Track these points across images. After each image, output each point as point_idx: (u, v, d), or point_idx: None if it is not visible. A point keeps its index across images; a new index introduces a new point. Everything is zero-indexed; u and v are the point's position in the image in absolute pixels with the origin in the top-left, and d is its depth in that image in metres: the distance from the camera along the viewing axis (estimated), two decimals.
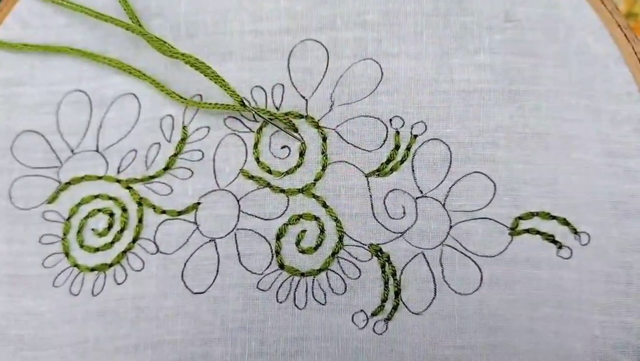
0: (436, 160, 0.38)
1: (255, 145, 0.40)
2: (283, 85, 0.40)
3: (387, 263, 0.38)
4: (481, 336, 0.37)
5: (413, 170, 0.38)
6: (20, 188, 0.41)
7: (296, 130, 0.39)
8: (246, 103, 0.39)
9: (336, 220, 0.38)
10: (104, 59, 0.41)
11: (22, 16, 0.42)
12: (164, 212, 0.40)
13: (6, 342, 0.39)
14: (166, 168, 0.40)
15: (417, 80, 0.39)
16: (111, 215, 0.40)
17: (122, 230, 0.40)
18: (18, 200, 0.41)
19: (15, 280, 0.40)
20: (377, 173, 0.39)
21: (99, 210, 0.40)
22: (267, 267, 0.38)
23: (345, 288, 0.38)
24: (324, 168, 0.39)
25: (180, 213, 0.39)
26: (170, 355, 0.38)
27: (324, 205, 0.39)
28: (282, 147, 0.40)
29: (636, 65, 0.39)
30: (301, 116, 0.40)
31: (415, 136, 0.39)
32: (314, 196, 0.39)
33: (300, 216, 0.39)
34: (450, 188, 0.38)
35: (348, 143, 0.39)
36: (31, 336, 0.39)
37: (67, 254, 0.40)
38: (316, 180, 0.39)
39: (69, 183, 0.41)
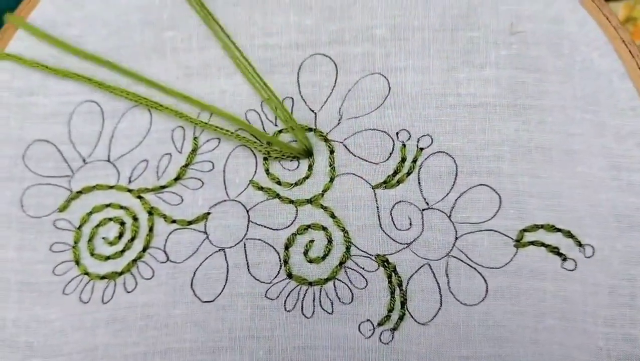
0: (442, 173, 0.39)
1: (265, 157, 0.40)
2: (293, 99, 0.40)
3: (393, 274, 0.38)
4: (486, 346, 0.37)
5: (419, 183, 0.39)
6: (32, 197, 0.41)
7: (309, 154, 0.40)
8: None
9: (344, 230, 0.39)
10: (115, 89, 0.41)
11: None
12: (174, 221, 0.40)
13: (15, 349, 0.39)
14: (177, 179, 0.40)
15: (424, 94, 0.39)
16: (122, 224, 0.40)
17: (132, 239, 0.40)
18: (29, 209, 0.41)
19: (25, 288, 0.40)
20: (383, 185, 0.39)
21: (110, 219, 0.40)
22: (276, 276, 0.39)
23: (352, 298, 0.38)
24: (331, 180, 0.39)
25: (190, 222, 0.40)
26: None
27: (332, 216, 0.39)
28: (292, 160, 0.40)
29: None
30: (310, 130, 0.40)
31: (422, 149, 0.39)
32: (322, 207, 0.39)
33: (309, 226, 0.39)
34: (456, 200, 0.38)
35: (355, 156, 0.39)
36: (40, 344, 0.39)
37: (77, 262, 0.40)
38: (324, 191, 0.39)
39: (80, 192, 0.41)
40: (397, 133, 0.39)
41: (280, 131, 0.40)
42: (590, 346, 0.37)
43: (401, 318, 0.38)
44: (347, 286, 0.38)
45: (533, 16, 0.40)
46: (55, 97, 0.42)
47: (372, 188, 0.39)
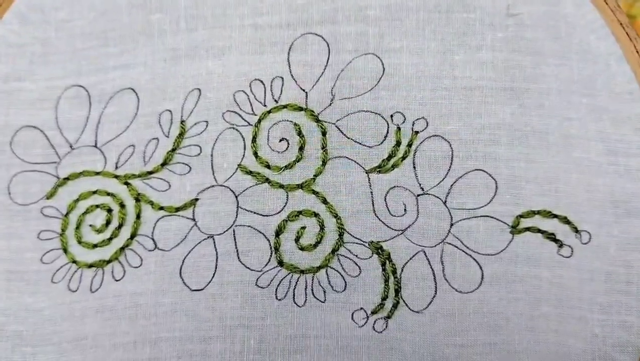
0: (437, 157, 0.38)
1: (254, 139, 0.40)
2: (282, 78, 0.40)
3: (387, 261, 0.38)
4: (481, 334, 0.37)
5: (414, 167, 0.38)
6: (19, 184, 0.41)
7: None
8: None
9: (336, 216, 0.38)
10: None
11: (21, 11, 0.42)
12: (161, 208, 0.39)
13: (4, 338, 0.39)
14: (164, 164, 0.40)
15: (419, 76, 0.39)
16: (109, 211, 0.40)
17: (120, 227, 0.40)
18: (17, 196, 0.41)
19: (13, 276, 0.40)
20: (378, 169, 0.39)
21: (97, 206, 0.40)
22: (266, 264, 0.38)
23: (345, 286, 0.38)
24: (324, 163, 0.39)
25: (178, 209, 0.39)
26: (169, 352, 0.38)
27: (324, 202, 0.39)
28: (280, 140, 0.39)
29: (638, 63, 0.39)
30: (301, 108, 0.40)
31: (417, 132, 0.39)
32: (314, 192, 0.39)
33: (300, 212, 0.39)
34: (451, 185, 0.38)
35: (348, 138, 0.39)
36: (30, 333, 0.39)
37: (65, 250, 0.40)
38: (316, 175, 0.39)
39: (67, 179, 0.40)
40: (391, 116, 0.39)
41: (269, 111, 0.40)
42: (585, 333, 0.37)
43: (395, 306, 0.38)
44: (340, 274, 0.38)
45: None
46: (42, 82, 0.42)
47: (366, 173, 0.39)
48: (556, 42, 0.39)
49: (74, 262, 0.40)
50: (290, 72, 0.40)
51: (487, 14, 0.40)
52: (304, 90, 0.40)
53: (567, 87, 0.39)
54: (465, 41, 0.39)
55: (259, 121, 0.40)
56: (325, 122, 0.39)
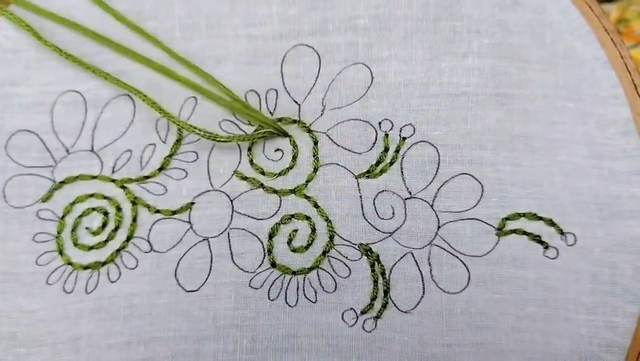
0: (425, 162, 0.39)
1: (249, 148, 0.40)
2: (277, 91, 0.40)
3: (376, 263, 0.38)
4: (468, 334, 0.37)
5: (402, 172, 0.39)
6: (14, 187, 0.41)
7: (286, 135, 0.40)
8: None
9: (327, 220, 0.39)
10: (109, 76, 0.40)
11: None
12: (158, 211, 0.40)
13: None
14: (161, 169, 0.40)
15: (407, 83, 0.39)
16: (105, 213, 0.40)
17: (116, 229, 0.40)
18: (12, 199, 0.41)
19: (8, 278, 0.40)
20: (367, 174, 0.39)
21: (94, 209, 0.40)
22: (259, 266, 0.39)
23: (336, 287, 0.38)
24: (315, 170, 0.39)
25: (174, 212, 0.39)
26: (163, 352, 0.38)
27: (315, 206, 0.39)
28: (276, 150, 0.40)
29: (622, 69, 0.39)
30: (294, 121, 0.40)
31: (404, 138, 0.39)
32: (306, 197, 0.39)
33: (292, 216, 0.39)
34: (438, 189, 0.38)
35: (339, 146, 0.39)
36: (24, 334, 0.39)
37: (60, 252, 0.40)
38: (308, 181, 0.39)
39: (63, 183, 0.41)
40: (379, 123, 0.39)
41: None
42: (571, 333, 0.37)
43: (384, 306, 0.38)
44: (331, 275, 0.38)
45: (516, 5, 0.40)
46: (38, 87, 0.42)
47: (355, 178, 0.39)
48: (542, 49, 0.40)
49: (70, 263, 0.40)
50: (284, 84, 0.40)
51: (473, 22, 0.40)
52: (296, 103, 0.40)
53: (552, 92, 0.39)
54: (452, 48, 0.40)
55: (255, 131, 0.40)
56: (317, 131, 0.40)
